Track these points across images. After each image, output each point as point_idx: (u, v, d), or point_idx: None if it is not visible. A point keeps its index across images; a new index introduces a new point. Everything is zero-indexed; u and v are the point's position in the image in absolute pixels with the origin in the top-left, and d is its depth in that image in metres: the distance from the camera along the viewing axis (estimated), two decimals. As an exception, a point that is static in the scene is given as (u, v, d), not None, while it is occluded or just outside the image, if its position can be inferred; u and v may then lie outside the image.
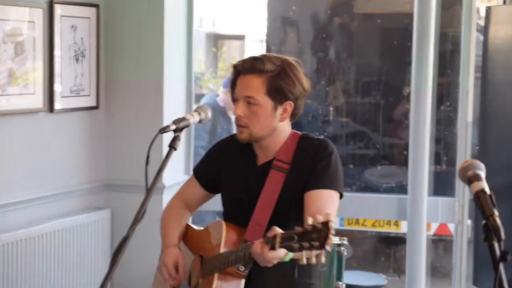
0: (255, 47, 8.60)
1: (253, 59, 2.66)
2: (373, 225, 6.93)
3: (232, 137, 2.90)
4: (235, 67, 2.70)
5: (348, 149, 7.23)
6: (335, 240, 3.46)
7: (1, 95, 4.05)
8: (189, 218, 3.05)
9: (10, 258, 4.03)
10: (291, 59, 2.71)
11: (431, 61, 4.71)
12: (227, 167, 2.84)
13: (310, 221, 2.18)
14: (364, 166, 7.23)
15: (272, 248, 2.25)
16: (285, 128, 2.74)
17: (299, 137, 2.76)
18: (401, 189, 6.40)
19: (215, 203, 3.07)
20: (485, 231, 1.64)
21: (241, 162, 2.81)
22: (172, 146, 2.38)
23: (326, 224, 2.13)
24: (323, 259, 2.23)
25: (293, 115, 2.73)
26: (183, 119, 2.45)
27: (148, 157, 2.29)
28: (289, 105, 2.67)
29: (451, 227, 5.90)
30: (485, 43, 4.45)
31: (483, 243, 1.66)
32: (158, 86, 4.76)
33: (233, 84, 2.72)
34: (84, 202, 4.74)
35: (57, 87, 4.41)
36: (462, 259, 4.87)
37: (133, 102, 4.83)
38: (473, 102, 4.85)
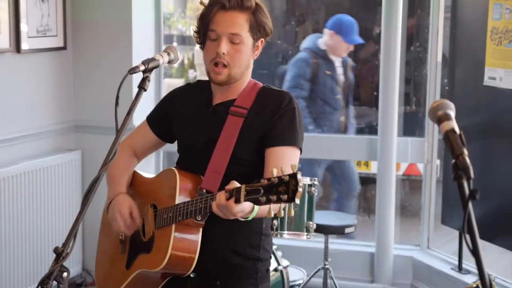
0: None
1: None
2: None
3: (189, 85, 2.83)
4: (216, 2, 2.56)
5: (318, 90, 7.22)
6: (306, 180, 3.48)
7: (-34, 35, 3.98)
8: (136, 165, 2.90)
9: (-21, 201, 4.02)
10: None
11: (401, 1, 4.69)
12: (181, 112, 2.73)
13: (275, 172, 2.11)
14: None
15: (237, 201, 2.18)
16: (251, 68, 2.67)
17: (261, 87, 2.68)
18: (371, 129, 6.44)
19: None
20: (454, 170, 1.65)
21: (195, 104, 2.71)
22: (142, 86, 2.34)
23: (293, 176, 2.08)
24: (292, 213, 2.17)
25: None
26: (152, 59, 2.41)
27: (117, 98, 2.25)
28: (260, 42, 2.61)
29: (420, 167, 5.96)
30: (456, -18, 4.44)
31: (452, 183, 1.67)
32: (126, 26, 4.71)
33: (208, 20, 2.57)
34: (54, 144, 4.72)
35: (24, 27, 4.34)
36: (431, 199, 4.94)
37: (101, 42, 4.79)
38: (443, 42, 4.85)
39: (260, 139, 2.58)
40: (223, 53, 2.52)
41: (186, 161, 2.74)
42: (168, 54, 2.49)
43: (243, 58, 2.56)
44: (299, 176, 2.08)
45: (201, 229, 2.52)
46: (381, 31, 4.82)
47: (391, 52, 4.74)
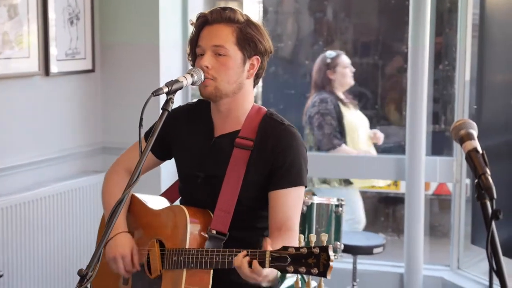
0: (252, 8, 8.54)
1: (221, 9, 2.53)
2: (372, 185, 6.94)
3: (189, 106, 2.77)
4: (200, 17, 2.56)
5: (346, 110, 7.21)
6: (333, 200, 3.46)
7: (-4, 59, 4.03)
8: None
9: (6, 223, 4.03)
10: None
11: (428, 20, 4.68)
12: (180, 139, 2.69)
13: (301, 239, 2.09)
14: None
15: (261, 265, 2.15)
16: (249, 92, 2.61)
17: (264, 115, 2.60)
18: (399, 149, 6.41)
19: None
20: (477, 190, 1.64)
21: (195, 133, 2.66)
22: (165, 108, 2.34)
23: (324, 249, 2.06)
24: (323, 286, 2.13)
25: (257, 76, 2.61)
26: (176, 81, 2.40)
27: (141, 119, 2.25)
28: (256, 60, 2.55)
29: (450, 186, 5.92)
30: (483, 1, 4.42)
31: (482, 202, 1.66)
32: (154, 48, 4.74)
33: (195, 38, 2.57)
34: (81, 166, 4.74)
35: (53, 51, 4.39)
36: (460, 218, 4.89)
37: (129, 65, 4.81)
38: (471, 61, 4.83)
39: (265, 176, 2.53)
40: (206, 67, 2.49)
41: (188, 193, 2.69)
42: (192, 75, 2.48)
43: (230, 73, 2.51)
44: (330, 251, 2.06)
45: (211, 271, 2.45)
46: (408, 50, 4.80)
47: (418, 70, 4.72)
